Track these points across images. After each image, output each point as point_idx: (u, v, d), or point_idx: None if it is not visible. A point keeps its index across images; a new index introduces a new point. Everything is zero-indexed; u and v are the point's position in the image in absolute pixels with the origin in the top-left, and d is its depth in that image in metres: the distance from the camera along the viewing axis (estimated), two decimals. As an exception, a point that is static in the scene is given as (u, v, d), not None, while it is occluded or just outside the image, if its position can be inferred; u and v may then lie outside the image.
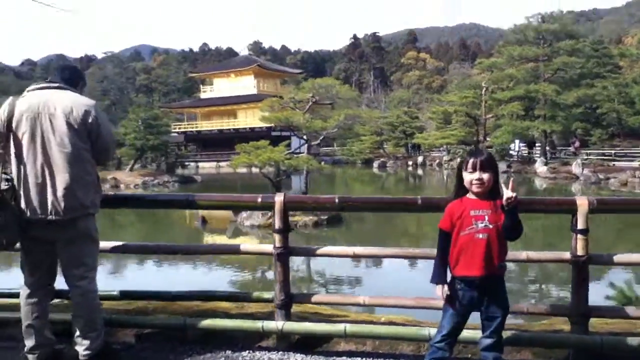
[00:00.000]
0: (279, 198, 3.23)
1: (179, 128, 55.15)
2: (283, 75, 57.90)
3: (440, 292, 2.61)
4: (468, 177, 2.55)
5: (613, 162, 31.67)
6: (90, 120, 2.86)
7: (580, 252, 3.01)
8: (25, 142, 2.79)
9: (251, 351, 3.19)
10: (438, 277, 2.62)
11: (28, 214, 2.79)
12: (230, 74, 54.64)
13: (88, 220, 2.93)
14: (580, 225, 3.01)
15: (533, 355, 3.11)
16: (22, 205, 2.79)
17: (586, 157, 32.94)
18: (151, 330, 3.39)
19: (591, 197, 3.10)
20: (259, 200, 3.33)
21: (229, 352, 3.16)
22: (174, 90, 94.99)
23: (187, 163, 44.51)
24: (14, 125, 2.80)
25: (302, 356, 3.10)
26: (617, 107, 37.04)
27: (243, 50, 77.83)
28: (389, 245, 4.10)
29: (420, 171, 41.24)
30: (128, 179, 32.34)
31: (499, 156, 36.11)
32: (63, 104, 2.82)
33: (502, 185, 2.55)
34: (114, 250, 3.44)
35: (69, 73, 3.07)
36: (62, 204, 2.77)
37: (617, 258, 3.16)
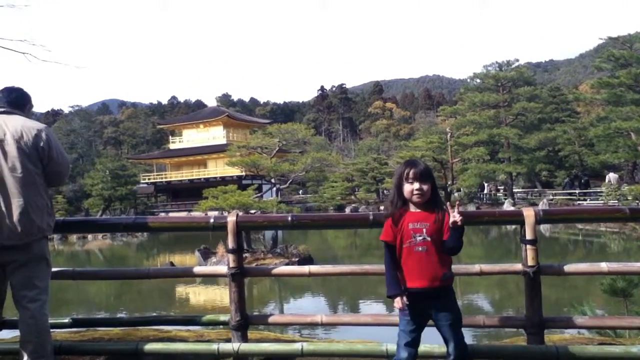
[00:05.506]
0: (231, 218, 3.23)
1: (149, 179, 54.65)
2: (252, 126, 58.39)
3: (399, 304, 2.57)
4: (409, 187, 2.58)
5: (578, 202, 32.45)
6: (41, 145, 2.85)
7: (530, 262, 3.07)
8: None
9: (207, 375, 3.11)
10: (394, 290, 2.59)
11: None
12: (199, 125, 54.86)
13: (42, 243, 2.90)
14: (528, 235, 3.08)
15: (492, 370, 3.11)
16: None
17: (552, 198, 33.73)
18: (104, 359, 3.28)
19: (537, 208, 3.20)
20: (211, 220, 3.32)
21: (184, 377, 3.07)
22: (142, 142, 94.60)
23: (157, 213, 43.96)
24: None
25: (260, 378, 3.04)
26: (577, 149, 38.45)
27: (212, 103, 78.63)
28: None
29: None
30: (95, 230, 31.58)
31: (467, 199, 36.71)
32: (12, 129, 2.80)
33: (449, 207, 2.59)
34: (63, 276, 3.35)
35: (15, 96, 3.01)
36: (19, 228, 2.74)
37: (567, 268, 3.22)
